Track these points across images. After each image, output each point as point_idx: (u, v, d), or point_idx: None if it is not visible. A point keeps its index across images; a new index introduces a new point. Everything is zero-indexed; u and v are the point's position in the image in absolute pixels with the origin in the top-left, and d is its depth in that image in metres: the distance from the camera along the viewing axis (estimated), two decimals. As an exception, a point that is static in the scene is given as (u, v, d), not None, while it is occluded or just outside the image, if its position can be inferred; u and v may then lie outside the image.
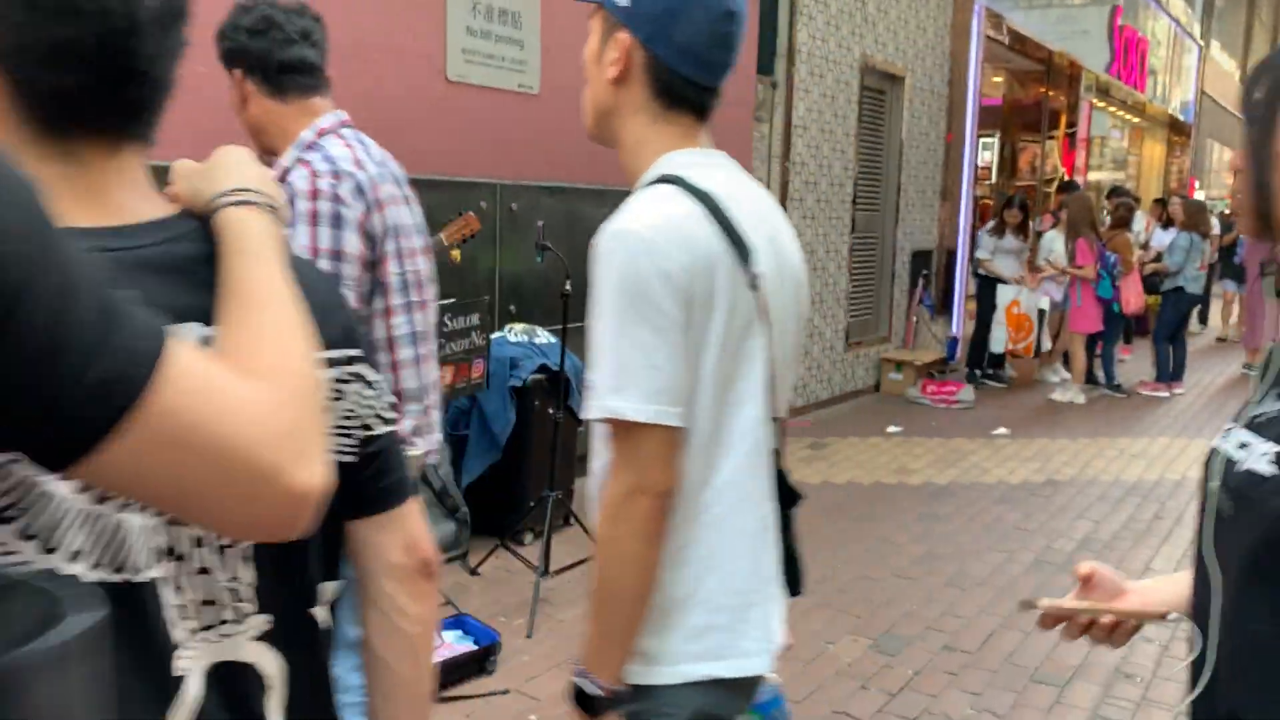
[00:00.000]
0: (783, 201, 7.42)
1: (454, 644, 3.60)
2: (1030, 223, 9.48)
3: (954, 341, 9.80)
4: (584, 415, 1.43)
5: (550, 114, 5.37)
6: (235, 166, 0.97)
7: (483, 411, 4.61)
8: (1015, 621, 4.18)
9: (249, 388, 0.75)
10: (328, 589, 1.01)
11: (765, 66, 7.23)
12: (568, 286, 4.11)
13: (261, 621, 0.91)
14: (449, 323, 3.78)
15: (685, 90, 1.45)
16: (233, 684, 0.89)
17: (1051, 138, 13.91)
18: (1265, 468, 1.07)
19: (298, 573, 0.96)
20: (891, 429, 7.61)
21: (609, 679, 1.39)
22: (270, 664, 0.93)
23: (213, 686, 0.87)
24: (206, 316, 0.85)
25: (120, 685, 0.73)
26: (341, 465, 0.96)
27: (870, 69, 8.36)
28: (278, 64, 2.23)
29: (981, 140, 12.82)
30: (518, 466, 4.62)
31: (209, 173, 0.96)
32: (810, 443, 7.13)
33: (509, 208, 5.13)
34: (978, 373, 9.33)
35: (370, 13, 4.41)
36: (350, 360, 1.00)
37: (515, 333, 4.80)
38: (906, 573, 4.70)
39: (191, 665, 0.85)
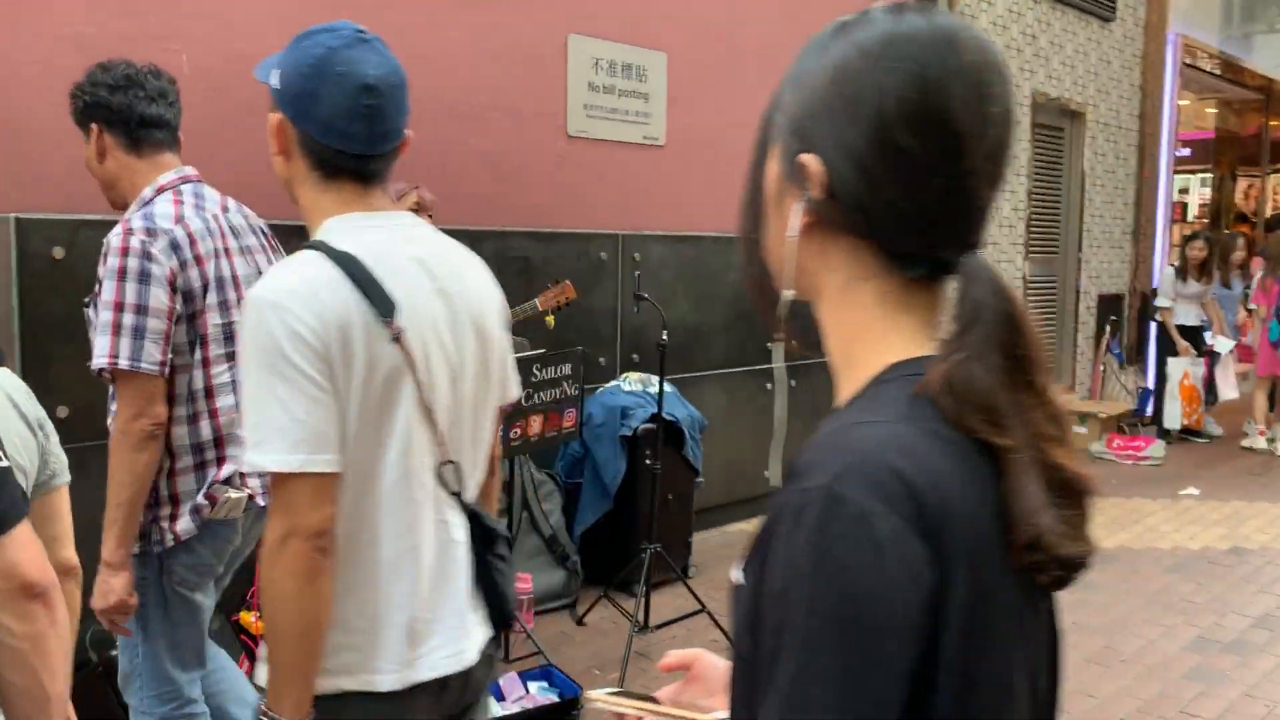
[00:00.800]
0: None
1: (536, 695, 3.60)
2: (1216, 264, 8.63)
3: (1146, 393, 9.06)
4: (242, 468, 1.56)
5: (677, 164, 5.39)
6: None
7: (595, 461, 4.63)
8: (1158, 705, 3.78)
9: None
10: None
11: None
12: (664, 336, 4.08)
13: None
14: (537, 373, 3.82)
15: (339, 160, 1.54)
16: None
17: (1276, 170, 12.78)
18: None
19: None
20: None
21: (291, 713, 1.45)
22: None
23: None
24: None
25: None
26: None
27: (1044, 105, 7.94)
28: (139, 118, 2.35)
29: (1189, 175, 11.92)
30: (628, 517, 4.60)
31: None
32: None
33: (631, 258, 5.17)
34: (1171, 430, 8.58)
35: (491, 76, 4.57)
36: None
37: (630, 382, 4.81)
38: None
39: None
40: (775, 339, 0.96)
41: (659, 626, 4.21)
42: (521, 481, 4.45)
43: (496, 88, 4.60)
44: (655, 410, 4.62)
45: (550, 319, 4.08)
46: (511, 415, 3.77)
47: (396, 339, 1.49)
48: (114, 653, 3.22)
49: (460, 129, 4.50)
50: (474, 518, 1.63)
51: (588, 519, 4.63)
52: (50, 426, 1.84)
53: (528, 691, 3.60)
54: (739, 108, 5.66)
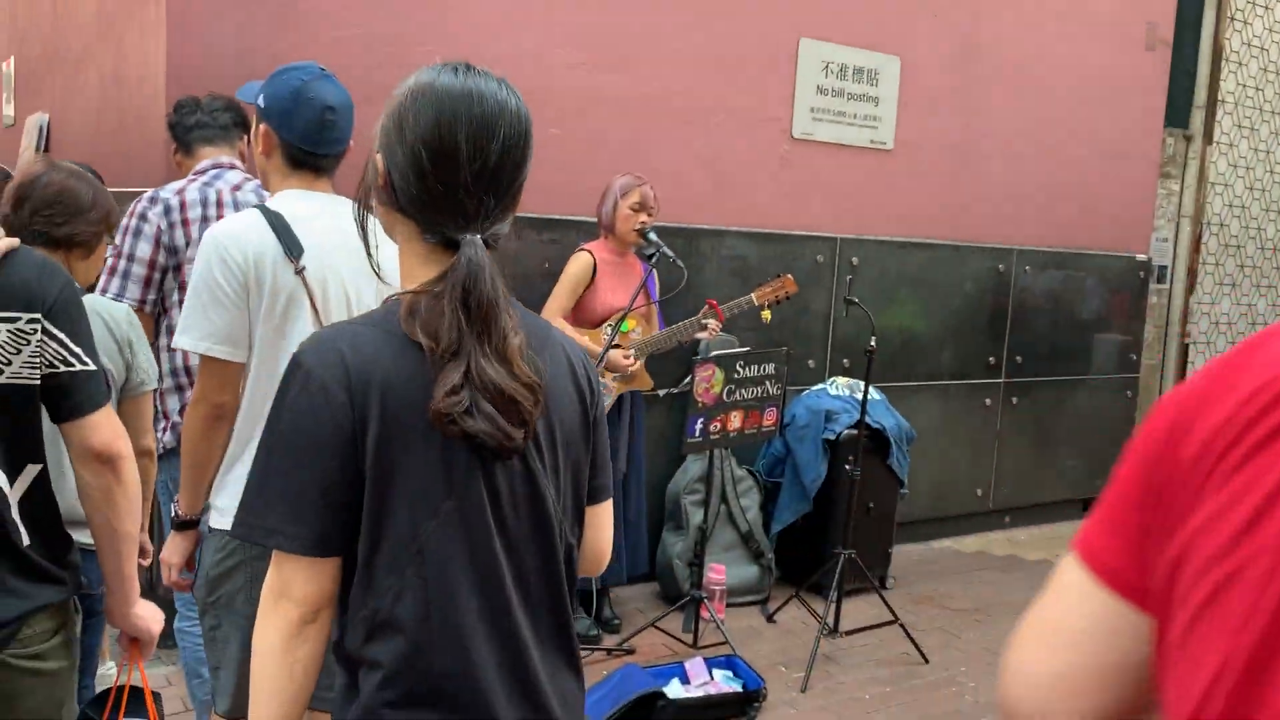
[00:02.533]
0: (1192, 264, 6.66)
1: (720, 682, 3.68)
2: None
3: None
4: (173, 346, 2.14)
5: (905, 169, 5.32)
6: None
7: (796, 462, 4.66)
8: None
9: None
10: (19, 469, 1.64)
11: (1179, 118, 6.57)
12: (873, 343, 4.06)
13: None
14: (740, 370, 3.89)
15: (304, 157, 2.13)
16: None
17: None
18: None
19: None
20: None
21: (186, 511, 2.15)
22: None
23: None
24: None
25: None
26: (27, 387, 1.62)
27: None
28: (184, 129, 3.20)
29: None
30: (826, 520, 4.60)
31: None
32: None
33: (849, 261, 5.15)
34: None
35: (718, 80, 4.68)
36: (31, 322, 1.62)
37: (837, 386, 4.79)
38: (1269, 700, 4.02)
39: None
40: None
41: (849, 632, 4.19)
42: (721, 476, 4.54)
43: (723, 91, 4.71)
44: (860, 416, 4.60)
45: (767, 313, 4.13)
46: (712, 410, 3.87)
47: (299, 272, 2.07)
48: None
49: (684, 131, 4.63)
50: None
51: (785, 518, 4.66)
52: (141, 345, 2.46)
53: (712, 678, 3.69)
54: (974, 113, 5.52)
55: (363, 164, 1.38)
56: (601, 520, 1.45)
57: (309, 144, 2.12)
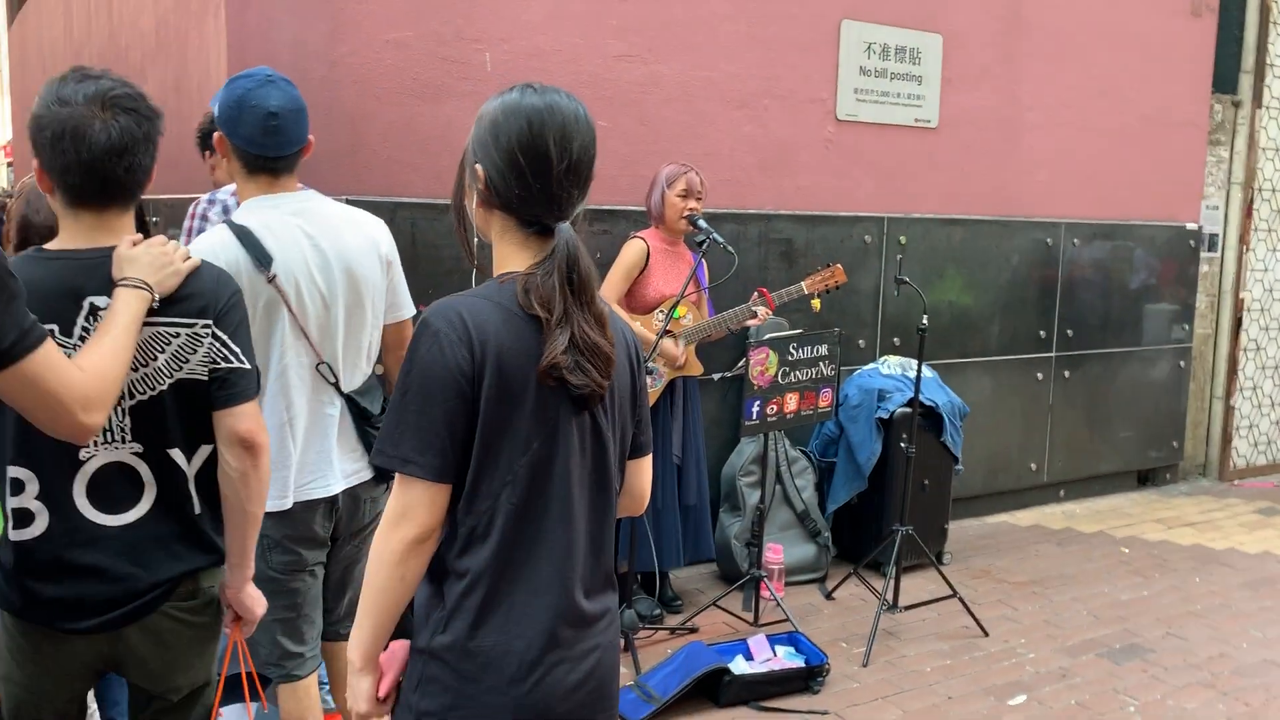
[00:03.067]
0: (1244, 231, 6.60)
1: (783, 658, 3.76)
2: None
3: None
4: None
5: (950, 147, 5.34)
6: (133, 260, 1.78)
7: (850, 441, 4.71)
8: None
9: (75, 372, 1.62)
10: (195, 448, 1.89)
11: (1227, 84, 6.50)
12: (924, 321, 4.10)
13: (134, 446, 1.84)
14: (793, 352, 3.95)
15: (256, 161, 2.29)
16: (119, 473, 1.83)
17: None
18: None
19: (158, 429, 1.85)
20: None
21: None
22: (141, 468, 1.85)
23: (108, 469, 1.82)
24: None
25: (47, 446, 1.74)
26: (202, 381, 1.86)
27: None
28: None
29: None
30: (881, 498, 4.65)
31: (122, 260, 1.78)
32: (1264, 506, 6.24)
33: (896, 240, 5.18)
34: None
35: (763, 63, 4.73)
36: (204, 327, 1.85)
37: (889, 365, 4.84)
38: (1332, 666, 4.03)
39: (93, 454, 1.81)
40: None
41: (908, 608, 4.25)
42: (775, 457, 4.61)
43: (768, 75, 4.75)
44: (912, 394, 4.64)
45: (816, 302, 4.19)
46: (768, 392, 3.93)
47: (271, 280, 2.29)
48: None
49: (731, 116, 4.69)
50: (350, 400, 2.48)
51: (841, 497, 4.72)
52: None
53: (775, 654, 3.77)
54: (1018, 88, 5.52)
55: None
56: (644, 470, 1.75)
57: (256, 148, 2.30)
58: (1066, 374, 5.93)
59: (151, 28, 4.93)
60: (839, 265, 4.22)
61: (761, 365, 3.90)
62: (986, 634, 4.18)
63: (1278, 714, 3.63)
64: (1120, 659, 4.04)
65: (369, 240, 2.50)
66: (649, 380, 4.00)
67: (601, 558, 1.63)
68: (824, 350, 4.04)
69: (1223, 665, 4.01)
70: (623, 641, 3.84)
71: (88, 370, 1.63)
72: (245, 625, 2.07)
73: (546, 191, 1.52)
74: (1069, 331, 5.90)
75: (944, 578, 4.30)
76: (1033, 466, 5.88)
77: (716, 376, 4.43)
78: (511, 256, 1.56)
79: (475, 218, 1.61)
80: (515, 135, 1.51)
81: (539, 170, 1.51)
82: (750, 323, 4.09)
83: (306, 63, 3.79)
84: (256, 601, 2.04)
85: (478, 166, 1.55)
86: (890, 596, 4.20)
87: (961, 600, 4.22)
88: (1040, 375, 5.82)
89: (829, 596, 4.53)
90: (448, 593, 1.53)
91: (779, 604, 4.12)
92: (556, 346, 1.48)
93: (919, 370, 4.14)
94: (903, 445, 4.28)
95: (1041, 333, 5.81)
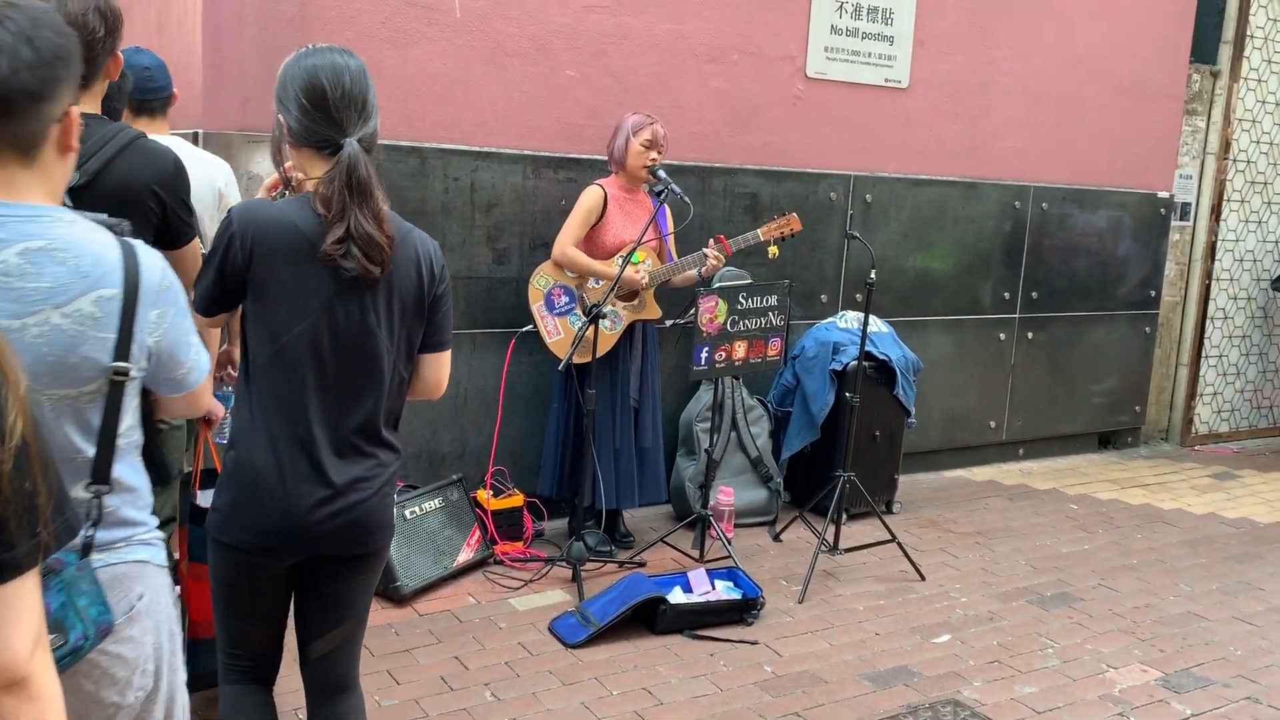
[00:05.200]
0: (1216, 201, 6.69)
1: (721, 592, 3.94)
2: None
3: None
4: None
5: (920, 107, 5.43)
6: None
7: (804, 392, 4.87)
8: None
9: None
10: None
11: (1206, 54, 6.55)
12: (872, 275, 4.23)
13: None
14: (742, 301, 4.10)
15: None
16: None
17: None
18: None
19: None
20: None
21: None
22: None
23: None
24: None
25: None
26: None
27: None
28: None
29: None
30: (833, 448, 4.81)
31: None
32: (1218, 472, 6.40)
33: (863, 199, 5.29)
34: None
35: (734, 19, 4.82)
36: None
37: (846, 320, 4.97)
38: (1251, 619, 4.20)
39: None
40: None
41: (849, 550, 4.43)
42: (732, 404, 4.77)
43: (738, 31, 4.84)
44: (868, 349, 4.78)
45: (774, 249, 4.31)
46: (716, 339, 4.08)
47: None
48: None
49: (700, 70, 4.79)
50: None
51: (794, 445, 4.89)
52: None
53: (713, 587, 3.95)
54: (992, 53, 5.61)
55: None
56: (436, 363, 2.18)
57: (139, 93, 3.02)
58: (1030, 335, 6.06)
59: (138, -34, 5.04)
60: (794, 214, 4.34)
61: (710, 313, 4.05)
62: (923, 578, 4.36)
63: (1188, 660, 3.80)
64: (1049, 605, 4.21)
65: (207, 177, 3.13)
66: (608, 324, 4.14)
67: (355, 423, 2.04)
68: (774, 301, 4.18)
69: (1146, 615, 4.19)
70: (570, 571, 4.03)
71: None
72: (212, 424, 2.63)
73: (327, 117, 1.94)
74: (1033, 294, 6.03)
75: (884, 524, 4.47)
76: (992, 424, 6.04)
77: (669, 323, 4.57)
78: (316, 174, 1.98)
79: (293, 158, 2.03)
80: (298, 82, 1.95)
81: (317, 102, 1.94)
82: (709, 265, 4.17)
83: (278, 4, 3.90)
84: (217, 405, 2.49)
85: (279, 117, 1.99)
86: (831, 539, 4.37)
87: (900, 545, 4.39)
88: (1003, 336, 5.96)
89: (776, 539, 4.71)
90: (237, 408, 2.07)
91: (725, 543, 4.30)
92: (332, 236, 1.90)
93: (865, 323, 4.28)
94: (847, 395, 4.43)
95: (1006, 294, 5.93)
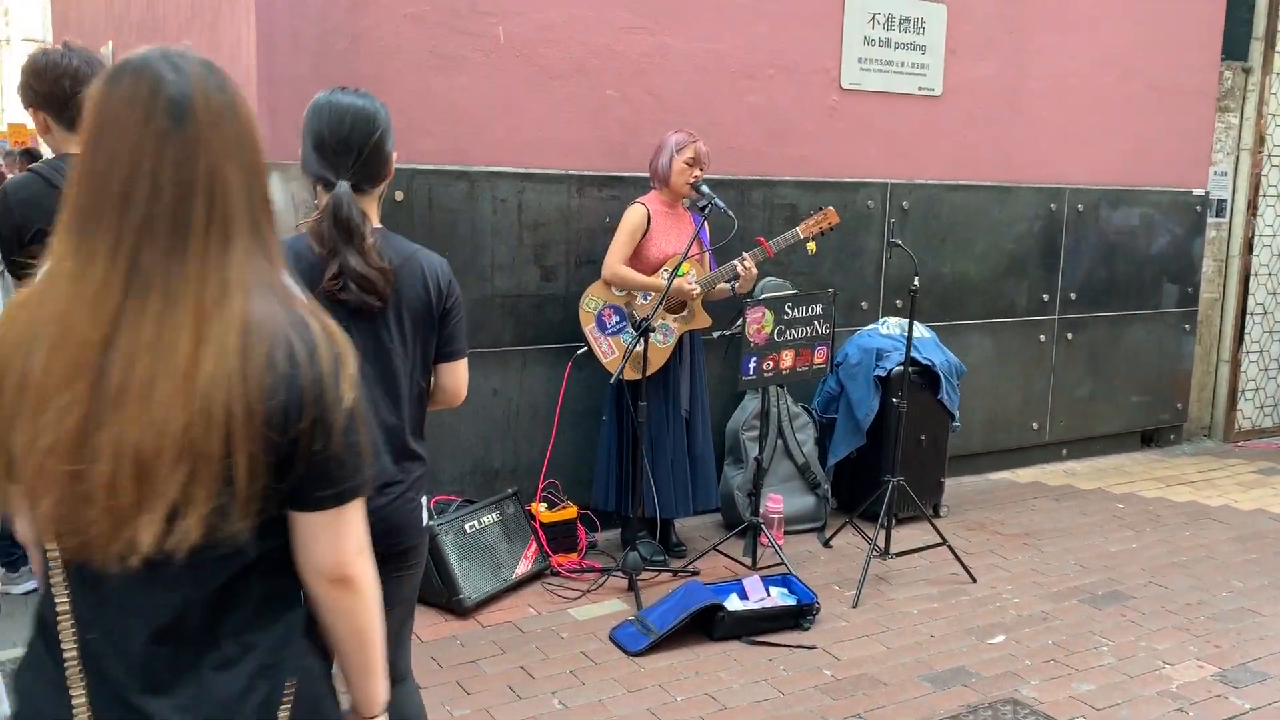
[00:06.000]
0: (1252, 196, 6.70)
1: (776, 598, 4.00)
2: None
3: None
4: None
5: (954, 114, 5.49)
6: None
7: (849, 398, 4.92)
8: None
9: None
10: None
11: (1237, 51, 6.57)
12: (915, 283, 4.29)
13: None
14: (789, 311, 4.17)
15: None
16: None
17: None
18: None
19: None
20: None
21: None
22: None
23: None
24: None
25: None
26: None
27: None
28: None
29: None
30: (879, 453, 4.86)
31: None
32: (1263, 468, 6.39)
33: (900, 206, 5.35)
34: None
35: (768, 35, 4.91)
36: None
37: (888, 326, 5.03)
38: (1306, 613, 4.21)
39: None
40: None
41: (900, 554, 4.48)
42: (777, 413, 4.83)
43: (773, 47, 4.93)
44: (913, 355, 4.83)
45: (812, 245, 4.38)
46: (764, 349, 4.15)
47: None
48: (430, 522, 3.96)
49: (737, 86, 4.87)
50: None
51: (840, 452, 4.94)
52: None
53: (768, 594, 4.02)
54: (1023, 56, 5.66)
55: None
56: (454, 371, 2.29)
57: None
58: (1069, 336, 6.09)
59: (186, 1, 5.19)
60: (830, 208, 4.41)
61: (758, 323, 4.12)
62: (974, 580, 4.40)
63: (1244, 655, 3.83)
64: (1101, 604, 4.24)
65: None
66: (660, 337, 4.23)
67: (383, 436, 2.15)
68: (819, 310, 4.25)
69: (1199, 611, 4.21)
70: (626, 581, 4.11)
71: None
72: None
73: (324, 158, 2.11)
74: (1072, 295, 6.06)
75: (935, 527, 4.51)
76: (1034, 426, 6.06)
77: (716, 334, 4.64)
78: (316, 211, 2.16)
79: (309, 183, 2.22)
80: (308, 121, 2.13)
81: (318, 144, 2.11)
82: (742, 279, 4.22)
83: (329, 36, 4.02)
84: None
85: (301, 153, 2.17)
86: (882, 543, 4.42)
87: (950, 548, 4.44)
88: (1042, 337, 5.99)
89: (826, 545, 4.77)
90: None
91: (776, 550, 4.36)
92: (329, 273, 2.06)
93: (910, 329, 4.34)
94: (895, 401, 4.48)
95: (1044, 295, 5.96)
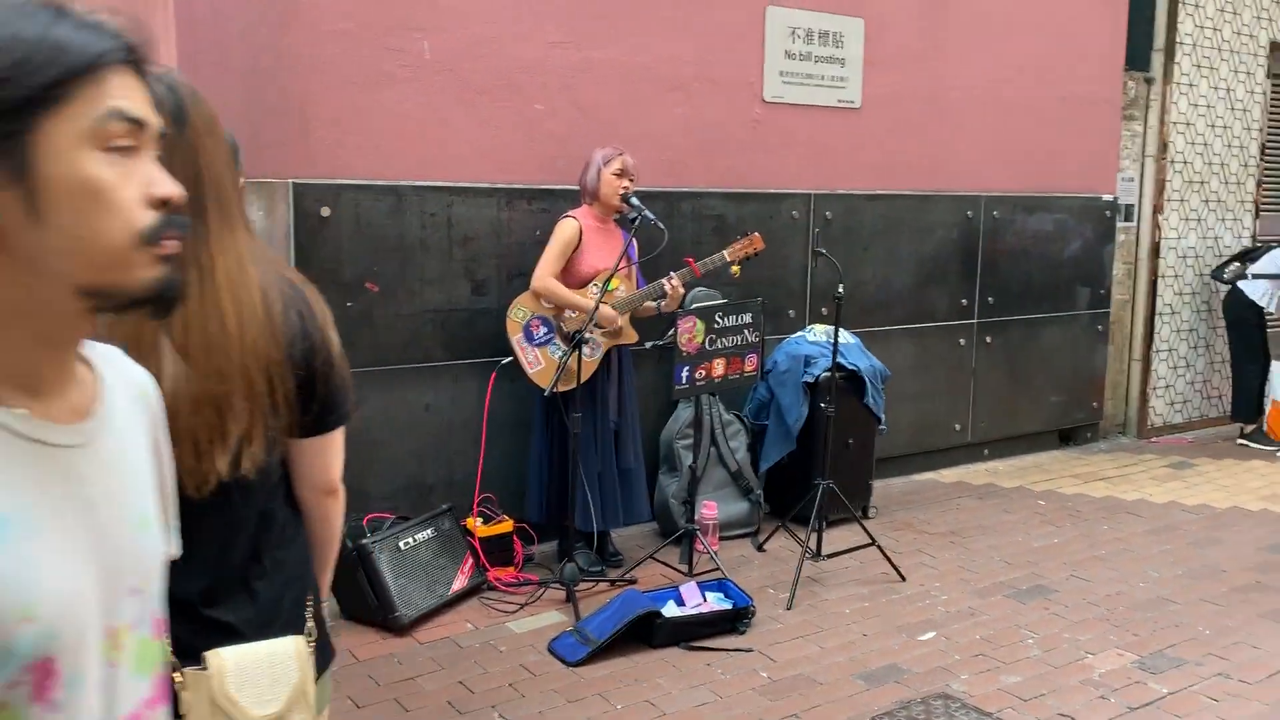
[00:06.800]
0: (1158, 202, 6.97)
1: (713, 603, 4.06)
2: None
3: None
4: None
5: (873, 126, 5.63)
6: None
7: (779, 405, 5.02)
8: (1323, 662, 3.81)
9: None
10: None
11: (1140, 62, 6.84)
12: (840, 290, 4.39)
13: None
14: (720, 320, 4.24)
15: None
16: None
17: None
18: None
19: None
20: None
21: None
22: None
23: None
24: None
25: None
26: None
27: (1286, 54, 7.51)
28: None
29: None
30: (809, 457, 4.96)
31: None
32: (1175, 462, 6.64)
33: (824, 216, 5.47)
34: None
35: (693, 49, 4.99)
36: None
37: (815, 333, 5.14)
38: (1216, 600, 4.40)
39: None
40: None
41: (831, 555, 4.57)
42: (710, 420, 4.90)
43: (699, 60, 5.01)
44: (838, 361, 4.94)
45: (736, 269, 4.47)
46: (696, 358, 4.22)
47: None
48: (364, 540, 3.94)
49: (665, 99, 4.95)
50: None
51: (772, 457, 5.03)
52: None
53: (705, 599, 4.07)
54: (939, 68, 5.83)
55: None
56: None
57: None
58: (988, 339, 6.28)
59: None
60: (757, 234, 4.50)
61: (689, 333, 4.19)
62: (904, 579, 4.51)
63: (1161, 643, 3.98)
64: (1026, 598, 4.38)
65: None
66: (587, 350, 4.26)
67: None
68: (748, 318, 4.33)
69: (1118, 602, 4.37)
70: (564, 592, 4.13)
71: None
72: None
73: None
74: (990, 299, 6.24)
75: (864, 528, 4.62)
76: (957, 427, 6.23)
77: (648, 344, 4.69)
78: None
79: None
80: None
81: None
82: (668, 299, 4.31)
83: (255, 53, 3.99)
84: None
85: None
86: (813, 546, 4.51)
87: (880, 548, 4.54)
88: (963, 341, 6.16)
89: (760, 549, 4.84)
90: None
91: (712, 556, 4.42)
92: None
93: (835, 335, 4.44)
94: (822, 406, 4.58)
95: (964, 300, 6.14)
